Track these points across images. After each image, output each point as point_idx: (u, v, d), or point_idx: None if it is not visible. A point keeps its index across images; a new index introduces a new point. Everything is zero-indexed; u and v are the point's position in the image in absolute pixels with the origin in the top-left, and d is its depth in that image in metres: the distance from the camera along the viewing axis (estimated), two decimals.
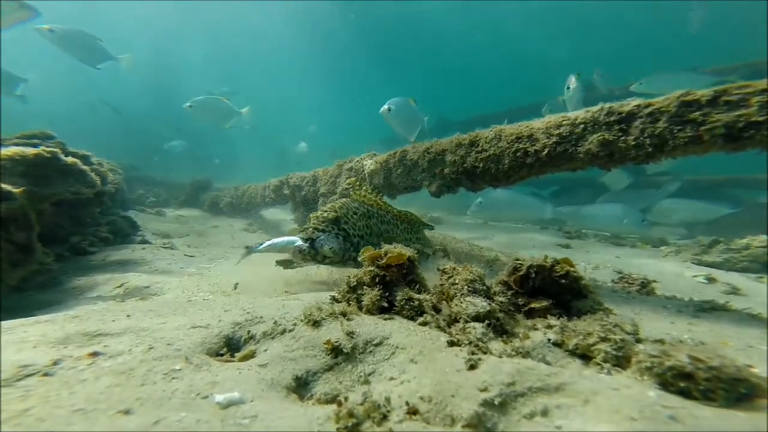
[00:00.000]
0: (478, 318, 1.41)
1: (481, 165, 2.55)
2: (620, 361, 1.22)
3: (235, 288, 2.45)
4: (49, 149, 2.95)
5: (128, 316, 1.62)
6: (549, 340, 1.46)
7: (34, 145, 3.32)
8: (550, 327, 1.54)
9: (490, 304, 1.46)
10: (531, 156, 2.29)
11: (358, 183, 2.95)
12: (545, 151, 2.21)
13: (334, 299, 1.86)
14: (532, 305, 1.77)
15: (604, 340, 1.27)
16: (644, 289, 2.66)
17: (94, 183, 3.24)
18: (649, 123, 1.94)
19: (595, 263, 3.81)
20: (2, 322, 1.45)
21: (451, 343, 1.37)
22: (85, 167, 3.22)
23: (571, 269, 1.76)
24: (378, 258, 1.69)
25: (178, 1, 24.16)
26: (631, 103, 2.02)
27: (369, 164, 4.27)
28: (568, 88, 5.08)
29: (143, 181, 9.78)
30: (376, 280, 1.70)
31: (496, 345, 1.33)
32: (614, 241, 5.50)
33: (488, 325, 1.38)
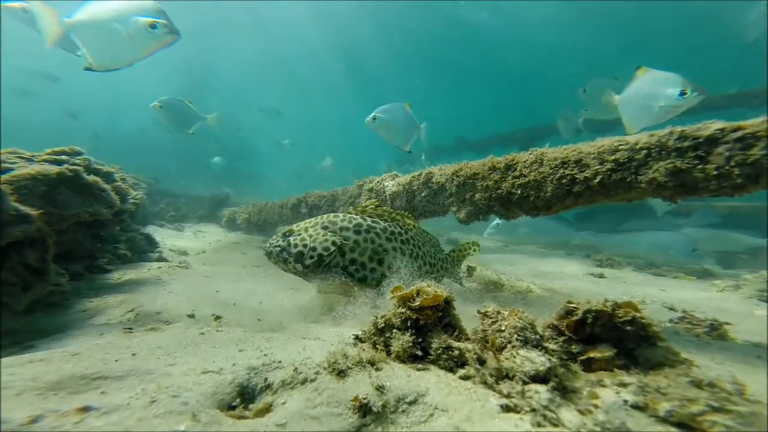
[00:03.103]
0: (537, 378, 1.17)
1: (518, 192, 2.32)
2: None
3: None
4: (72, 167, 2.92)
5: (134, 354, 1.46)
6: (626, 401, 1.20)
7: (60, 162, 3.34)
8: (623, 385, 1.29)
9: (550, 360, 1.23)
10: (579, 184, 2.04)
11: (374, 204, 2.78)
12: (597, 179, 1.97)
13: (357, 339, 1.67)
14: (591, 355, 1.52)
15: (717, 410, 1.01)
16: (715, 332, 2.29)
17: (113, 203, 3.19)
18: (739, 150, 1.67)
19: (639, 297, 3.46)
20: None
21: (507, 408, 1.14)
22: (106, 186, 3.18)
23: (638, 314, 1.53)
24: (410, 299, 1.49)
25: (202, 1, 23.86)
26: (711, 127, 1.75)
27: (391, 186, 4.12)
28: (683, 94, 3.20)
29: (166, 195, 10.02)
30: (408, 324, 1.49)
31: (567, 414, 1.09)
32: (653, 271, 5.07)
33: (553, 388, 1.14)
